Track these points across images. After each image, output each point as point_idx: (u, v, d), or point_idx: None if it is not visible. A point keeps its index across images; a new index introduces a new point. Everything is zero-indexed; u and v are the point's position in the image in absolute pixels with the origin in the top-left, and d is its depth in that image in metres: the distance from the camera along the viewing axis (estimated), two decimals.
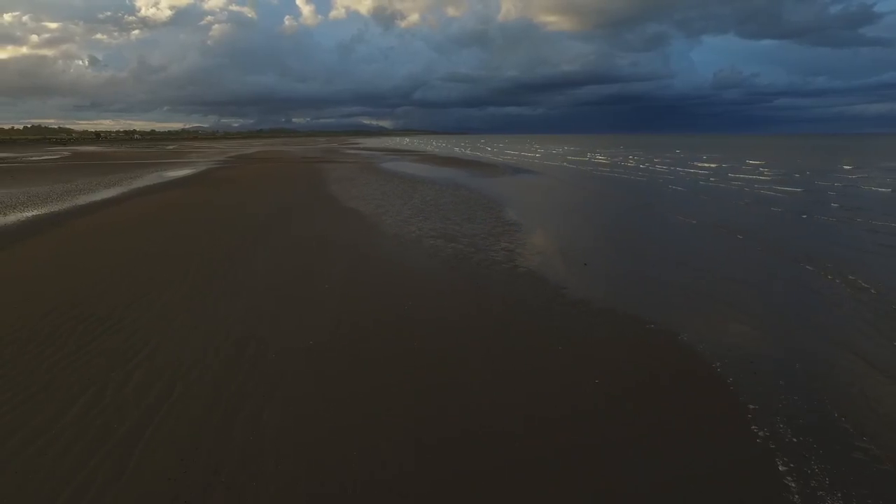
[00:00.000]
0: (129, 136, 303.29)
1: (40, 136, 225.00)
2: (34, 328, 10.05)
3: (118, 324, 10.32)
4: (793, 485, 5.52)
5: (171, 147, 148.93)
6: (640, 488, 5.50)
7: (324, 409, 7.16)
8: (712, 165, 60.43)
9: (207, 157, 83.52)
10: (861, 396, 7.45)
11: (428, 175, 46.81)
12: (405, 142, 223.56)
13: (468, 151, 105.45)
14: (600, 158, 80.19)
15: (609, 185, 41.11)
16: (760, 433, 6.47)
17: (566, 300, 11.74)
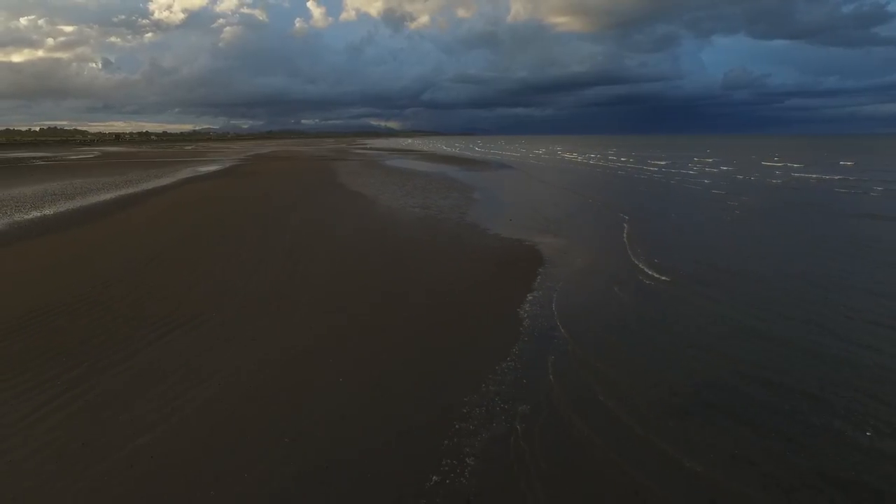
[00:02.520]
0: (145, 138, 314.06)
1: (64, 138, 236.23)
2: (176, 240, 17.83)
3: (218, 247, 18.07)
4: (543, 280, 13.07)
5: (188, 147, 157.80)
6: (501, 296, 13.07)
7: (335, 270, 14.83)
8: (662, 163, 67.12)
9: (227, 156, 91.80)
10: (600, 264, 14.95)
11: (423, 169, 54.55)
12: (409, 142, 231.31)
13: (467, 151, 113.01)
14: (577, 156, 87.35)
15: (566, 176, 48.59)
16: (550, 271, 14.02)
17: (485, 234, 19.36)
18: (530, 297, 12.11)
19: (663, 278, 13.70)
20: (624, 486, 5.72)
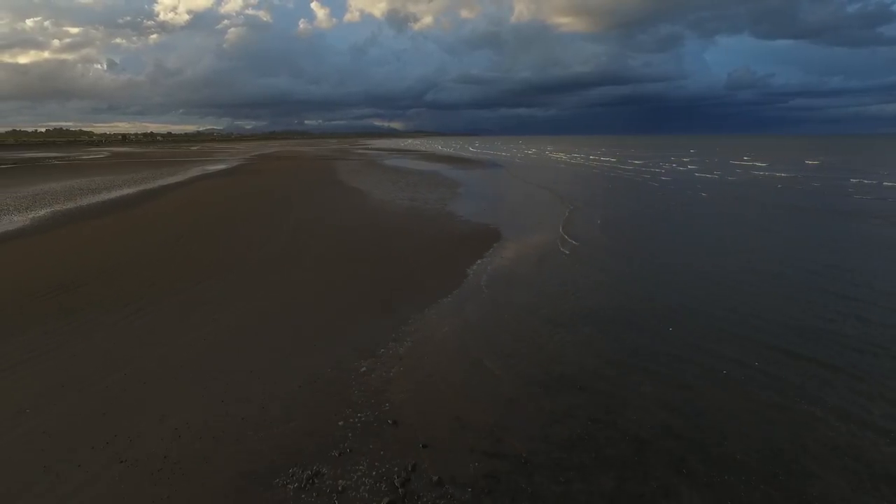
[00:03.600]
0: (151, 139, 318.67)
1: (72, 139, 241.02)
2: (197, 225, 21.48)
3: (233, 229, 21.72)
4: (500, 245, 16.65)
5: (194, 148, 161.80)
6: (457, 261, 16.66)
7: (328, 245, 18.46)
8: (639, 162, 70.43)
9: (232, 156, 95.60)
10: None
11: (418, 168, 58.18)
12: (408, 142, 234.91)
13: (463, 151, 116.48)
14: (563, 156, 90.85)
15: (543, 173, 52.17)
16: (502, 244, 17.59)
17: (459, 219, 22.94)
18: (479, 262, 15.70)
19: (574, 243, 17.37)
20: (508, 345, 9.32)
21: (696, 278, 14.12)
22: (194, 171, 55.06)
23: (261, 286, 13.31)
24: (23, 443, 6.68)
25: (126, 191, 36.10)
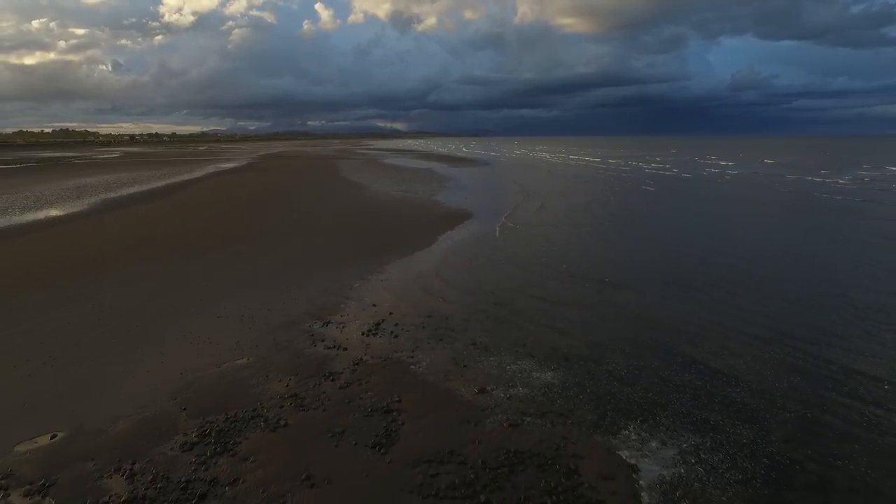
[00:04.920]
0: (157, 139, 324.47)
1: (81, 139, 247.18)
2: (222, 209, 26.38)
3: (251, 212, 26.61)
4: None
5: (201, 148, 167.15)
6: (433, 231, 21.52)
7: (331, 222, 23.30)
8: (613, 161, 75.36)
9: (240, 156, 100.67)
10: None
11: (415, 166, 63.10)
12: (408, 143, 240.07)
13: (458, 151, 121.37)
14: (547, 155, 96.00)
15: (522, 170, 57.16)
16: (472, 222, 22.44)
17: (442, 205, 27.78)
18: (449, 232, 20.53)
19: (511, 225, 22.30)
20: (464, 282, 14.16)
21: (589, 237, 18.95)
22: (209, 169, 60.05)
23: (281, 246, 18.17)
24: (171, 305, 11.55)
25: (155, 184, 41.03)
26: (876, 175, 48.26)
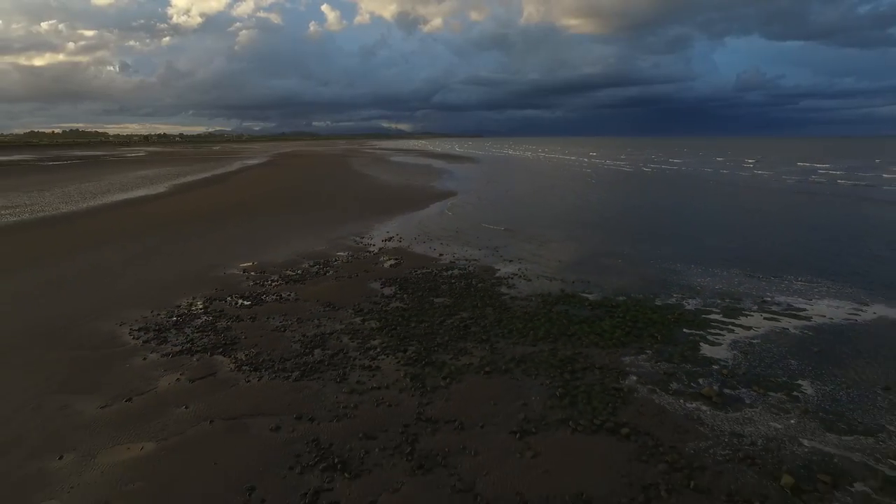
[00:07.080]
0: (168, 139, 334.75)
1: (100, 139, 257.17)
2: (263, 193, 35.14)
3: (286, 195, 35.36)
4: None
5: (216, 148, 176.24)
6: (425, 202, 30.22)
7: (348, 200, 32.01)
8: (593, 155, 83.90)
9: (257, 154, 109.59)
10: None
11: (417, 162, 71.84)
12: (412, 143, 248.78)
13: (460, 151, 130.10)
14: (529, 154, 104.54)
15: (505, 165, 65.65)
16: (456, 198, 31.10)
17: (434, 188, 36.40)
18: (438, 203, 29.16)
19: (482, 201, 30.93)
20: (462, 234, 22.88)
21: (534, 209, 27.56)
22: (237, 164, 68.90)
23: (320, 211, 26.88)
24: (282, 230, 20.29)
25: (201, 175, 49.85)
26: None
